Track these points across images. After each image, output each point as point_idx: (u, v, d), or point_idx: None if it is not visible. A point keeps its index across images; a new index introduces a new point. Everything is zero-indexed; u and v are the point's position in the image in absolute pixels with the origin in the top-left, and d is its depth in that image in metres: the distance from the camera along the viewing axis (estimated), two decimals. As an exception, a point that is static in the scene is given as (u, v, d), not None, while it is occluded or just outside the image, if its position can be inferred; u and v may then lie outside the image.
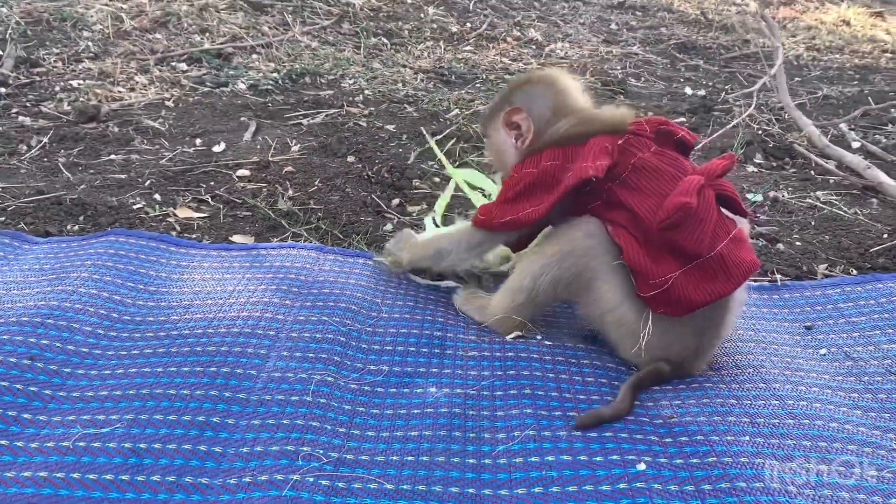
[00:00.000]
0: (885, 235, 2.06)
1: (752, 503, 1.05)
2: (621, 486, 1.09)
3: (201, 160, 2.40)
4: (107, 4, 3.79)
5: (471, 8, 4.74)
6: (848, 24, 5.31)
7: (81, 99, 2.85)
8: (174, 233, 1.92)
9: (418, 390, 1.32)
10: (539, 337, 1.51)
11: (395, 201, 2.21)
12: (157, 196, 2.11)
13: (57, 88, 2.94)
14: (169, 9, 3.82)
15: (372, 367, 1.37)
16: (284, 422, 1.20)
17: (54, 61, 3.21)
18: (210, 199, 2.13)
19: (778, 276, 1.82)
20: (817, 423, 1.23)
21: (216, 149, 2.50)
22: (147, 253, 1.72)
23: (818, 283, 1.78)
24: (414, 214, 2.14)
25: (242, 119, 2.81)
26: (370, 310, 1.56)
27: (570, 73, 1.47)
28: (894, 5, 5.86)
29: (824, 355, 1.51)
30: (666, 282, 1.28)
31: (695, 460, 1.14)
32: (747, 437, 1.19)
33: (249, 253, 1.76)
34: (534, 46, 4.24)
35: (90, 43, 3.40)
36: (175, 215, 2.01)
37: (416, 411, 1.26)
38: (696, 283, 1.29)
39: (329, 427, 1.20)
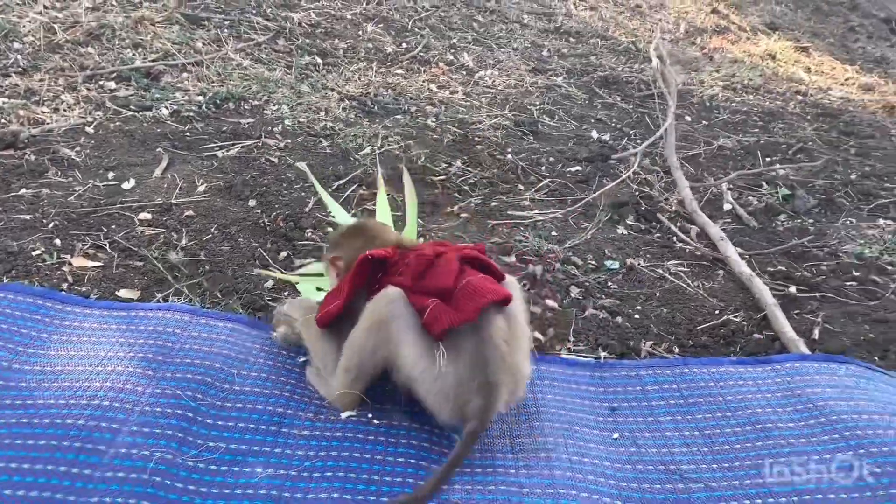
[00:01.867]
0: (717, 312, 2.30)
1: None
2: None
3: (108, 199, 2.55)
4: (41, 13, 3.87)
5: (409, 26, 4.88)
6: (773, 58, 5.56)
7: (3, 121, 2.97)
8: (66, 284, 2.09)
9: (246, 469, 1.53)
10: (370, 415, 1.72)
11: (283, 254, 2.40)
12: (57, 241, 2.27)
13: (-20, 108, 3.05)
14: (104, 20, 3.91)
15: (211, 444, 1.57)
16: (119, 500, 1.40)
17: (-19, 76, 3.31)
18: (108, 246, 2.29)
19: (603, 354, 2.06)
20: (574, 516, 1.47)
21: (125, 185, 2.66)
22: (32, 312, 1.89)
23: (635, 363, 2.02)
24: (297, 269, 2.33)
25: (158, 150, 2.96)
26: (224, 381, 1.75)
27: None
28: (821, 40, 6.13)
29: (616, 440, 1.75)
30: (426, 307, 1.63)
31: (460, 549, 1.37)
32: (510, 528, 1.42)
33: (128, 314, 1.94)
34: (464, 72, 4.41)
35: (19, 56, 3.50)
36: (70, 264, 2.18)
37: (238, 492, 1.47)
38: (449, 309, 1.63)
39: (157, 507, 1.40)
